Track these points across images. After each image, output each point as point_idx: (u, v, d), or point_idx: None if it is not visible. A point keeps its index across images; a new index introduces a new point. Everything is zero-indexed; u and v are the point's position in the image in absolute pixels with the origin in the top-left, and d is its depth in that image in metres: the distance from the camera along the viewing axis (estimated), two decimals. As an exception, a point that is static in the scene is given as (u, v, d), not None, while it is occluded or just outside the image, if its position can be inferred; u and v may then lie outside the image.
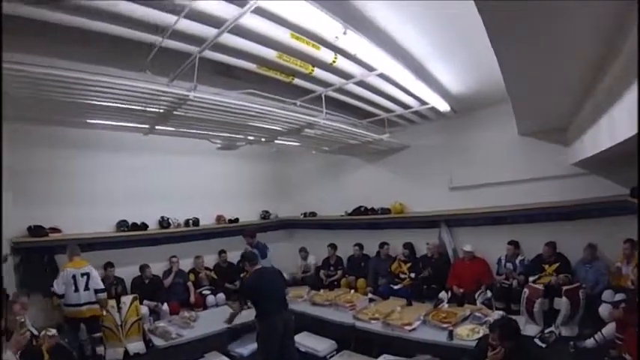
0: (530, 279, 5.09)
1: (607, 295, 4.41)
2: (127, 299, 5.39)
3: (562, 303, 4.54)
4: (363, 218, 7.36)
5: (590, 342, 4.02)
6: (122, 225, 6.19)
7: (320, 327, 5.07)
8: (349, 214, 7.58)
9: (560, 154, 5.21)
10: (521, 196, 5.58)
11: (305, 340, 4.82)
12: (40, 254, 5.25)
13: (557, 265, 5.08)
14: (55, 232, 5.47)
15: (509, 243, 5.56)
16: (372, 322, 4.58)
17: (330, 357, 4.53)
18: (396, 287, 6.12)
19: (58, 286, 4.63)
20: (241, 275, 6.50)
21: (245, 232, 6.31)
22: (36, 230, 5.29)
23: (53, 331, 3.35)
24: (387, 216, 7.01)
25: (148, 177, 6.51)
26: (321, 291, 6.05)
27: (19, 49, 2.69)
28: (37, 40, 2.93)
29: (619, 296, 4.20)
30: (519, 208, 5.55)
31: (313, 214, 8.39)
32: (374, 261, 6.96)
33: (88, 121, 4.18)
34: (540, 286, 4.81)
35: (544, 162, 5.40)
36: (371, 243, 7.18)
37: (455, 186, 6.36)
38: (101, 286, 4.86)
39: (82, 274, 4.69)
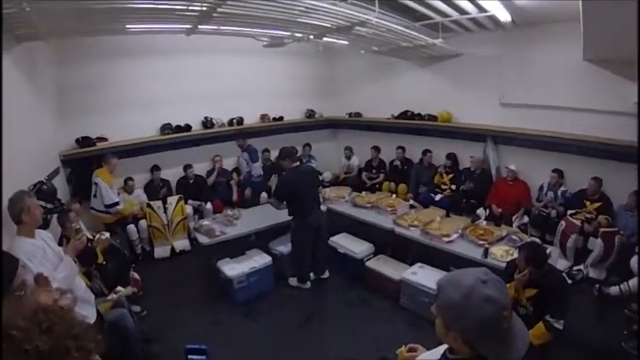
0: (569, 212, 4.99)
1: None
2: (172, 199, 5.72)
3: (596, 244, 4.51)
4: (409, 123, 7.19)
5: (614, 290, 4.04)
6: (166, 128, 6.32)
7: (359, 229, 5.15)
8: (395, 118, 7.41)
9: (626, 89, 4.53)
10: (574, 125, 5.20)
11: (343, 241, 4.97)
12: (89, 163, 5.42)
13: (599, 204, 4.88)
14: (101, 142, 5.70)
15: (554, 171, 5.35)
16: (411, 229, 4.56)
17: (367, 260, 4.66)
18: (436, 197, 6.20)
19: None
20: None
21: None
22: (83, 141, 5.52)
23: (106, 234, 3.55)
24: (434, 123, 6.82)
25: (191, 79, 6.47)
26: (363, 193, 6.02)
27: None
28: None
29: (654, 252, 4.07)
30: (570, 137, 5.21)
31: (358, 114, 8.22)
32: (416, 167, 6.97)
33: (129, 26, 4.05)
34: (578, 222, 4.73)
35: (605, 94, 4.83)
36: (414, 149, 7.16)
37: (506, 102, 5.96)
38: (109, 200, 4.95)
39: (94, 183, 4.99)
